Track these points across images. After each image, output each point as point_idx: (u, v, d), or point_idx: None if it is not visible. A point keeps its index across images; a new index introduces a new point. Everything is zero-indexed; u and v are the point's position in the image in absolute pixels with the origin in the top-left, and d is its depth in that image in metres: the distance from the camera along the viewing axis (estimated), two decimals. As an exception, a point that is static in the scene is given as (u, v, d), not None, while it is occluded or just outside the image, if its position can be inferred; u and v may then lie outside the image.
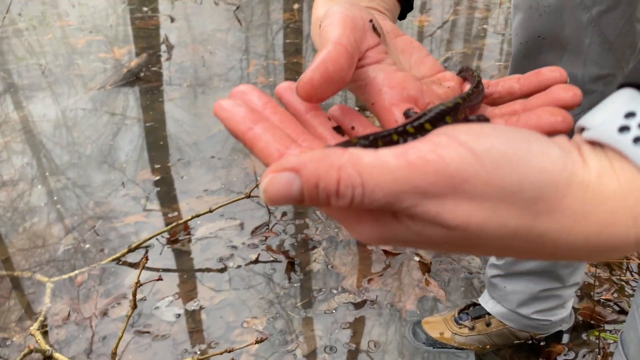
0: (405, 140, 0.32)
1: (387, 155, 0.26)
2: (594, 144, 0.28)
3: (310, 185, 0.25)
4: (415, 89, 0.40)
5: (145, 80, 2.60)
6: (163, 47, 2.96)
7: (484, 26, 3.25)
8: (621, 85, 0.29)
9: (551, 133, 0.34)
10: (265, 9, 3.62)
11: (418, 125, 0.34)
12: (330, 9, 0.40)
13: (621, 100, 0.28)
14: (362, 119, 0.39)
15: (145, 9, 3.63)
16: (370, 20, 0.41)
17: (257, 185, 1.59)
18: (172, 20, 3.42)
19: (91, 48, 3.01)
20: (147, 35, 3.17)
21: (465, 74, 0.46)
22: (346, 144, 0.30)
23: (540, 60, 0.85)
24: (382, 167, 0.25)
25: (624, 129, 0.27)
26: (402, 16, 0.57)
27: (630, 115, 0.27)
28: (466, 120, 0.39)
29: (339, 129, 0.37)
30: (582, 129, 0.29)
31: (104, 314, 1.33)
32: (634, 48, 0.83)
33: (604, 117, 0.28)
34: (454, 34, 3.18)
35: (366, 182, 0.25)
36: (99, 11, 3.62)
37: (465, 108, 0.39)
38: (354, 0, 0.48)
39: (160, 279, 1.02)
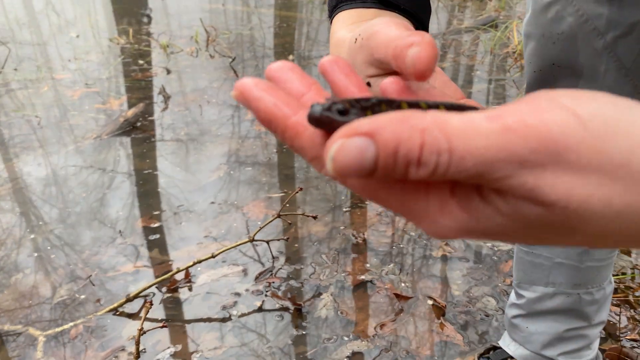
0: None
1: (479, 118, 0.22)
2: None
3: (388, 151, 0.22)
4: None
5: (141, 129, 2.58)
6: (160, 98, 2.97)
7: (474, 73, 3.31)
8: None
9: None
10: (259, 62, 3.67)
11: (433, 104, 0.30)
12: (368, 24, 0.39)
13: None
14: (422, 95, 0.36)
15: (141, 61, 3.67)
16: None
17: (261, 228, 1.55)
18: (168, 72, 3.46)
19: (87, 100, 3.01)
20: (143, 87, 3.19)
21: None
22: (325, 109, 0.26)
23: (556, 87, 0.84)
24: (474, 131, 0.22)
25: None
26: None
27: None
28: None
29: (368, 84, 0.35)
30: None
31: (101, 368, 1.25)
32: (651, 74, 0.82)
33: None
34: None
35: (455, 147, 0.22)
36: (94, 65, 3.65)
37: None
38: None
39: (165, 326, 0.96)
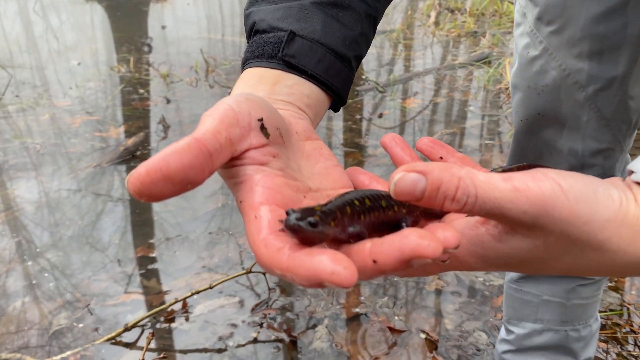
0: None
1: (497, 178, 0.33)
2: None
3: (434, 187, 0.32)
4: (292, 199, 0.38)
5: (141, 158, 2.62)
6: (159, 127, 3.03)
7: (468, 108, 3.40)
8: None
9: (414, 259, 0.30)
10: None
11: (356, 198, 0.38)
12: (223, 99, 0.38)
13: None
14: (449, 148, 0.44)
15: (141, 90, 3.74)
16: (260, 119, 0.38)
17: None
18: (168, 101, 3.52)
19: (87, 128, 3.05)
20: (142, 116, 3.25)
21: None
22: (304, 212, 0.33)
23: (541, 136, 0.89)
24: (493, 186, 0.33)
25: None
26: (335, 109, 0.57)
27: None
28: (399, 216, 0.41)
29: None
30: (631, 172, 0.37)
31: (98, 398, 1.26)
32: (630, 123, 0.87)
33: None
34: (439, 116, 3.31)
35: (480, 193, 0.32)
36: (95, 93, 3.71)
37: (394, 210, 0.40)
38: (273, 89, 0.48)
39: (165, 357, 0.98)
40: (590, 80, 0.80)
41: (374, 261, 0.31)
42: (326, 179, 0.43)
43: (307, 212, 0.32)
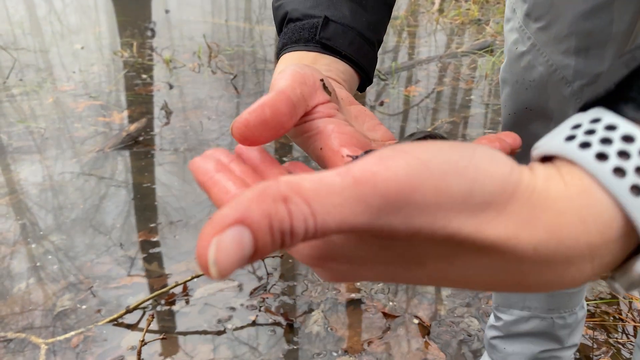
0: None
1: (330, 176, 0.23)
2: (545, 159, 0.28)
3: (264, 231, 0.21)
4: (364, 142, 0.41)
5: (143, 143, 2.66)
6: (162, 113, 3.05)
7: (470, 97, 3.41)
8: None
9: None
10: (260, 79, 3.77)
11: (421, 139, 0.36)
12: (286, 66, 0.43)
13: (569, 121, 0.29)
14: (312, 172, 0.39)
15: (144, 76, 3.76)
16: (321, 80, 0.43)
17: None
18: (171, 87, 3.54)
19: (90, 112, 3.08)
20: (145, 101, 3.27)
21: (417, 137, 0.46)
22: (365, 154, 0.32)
23: (529, 129, 0.91)
24: (328, 190, 0.22)
25: (570, 138, 0.27)
26: (361, 88, 0.60)
27: (576, 127, 0.27)
28: None
29: None
30: (533, 151, 0.29)
31: (100, 377, 1.31)
32: (616, 118, 0.90)
33: (551, 135, 0.29)
34: (441, 104, 3.32)
35: (315, 210, 0.22)
36: (98, 77, 3.74)
37: None
38: (314, 67, 0.51)
39: (165, 338, 1.02)
40: (576, 75, 0.82)
41: None
42: (375, 134, 0.47)
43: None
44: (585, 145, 0.26)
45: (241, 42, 4.88)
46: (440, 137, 0.40)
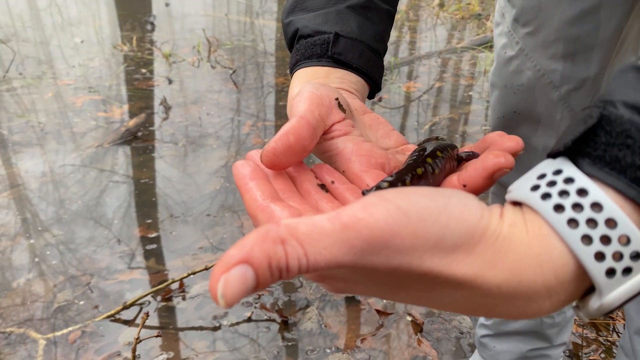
0: (427, 170, 0.39)
1: (322, 220, 0.27)
2: (515, 204, 0.32)
3: (264, 269, 0.25)
4: (382, 157, 0.45)
5: (142, 139, 2.67)
6: (161, 108, 3.06)
7: (470, 93, 3.41)
8: (547, 156, 0.33)
9: (496, 172, 0.38)
10: (259, 74, 3.77)
11: (430, 154, 0.41)
12: (302, 87, 0.46)
13: (538, 167, 0.32)
14: (339, 175, 0.43)
15: (143, 70, 3.76)
16: (336, 99, 0.47)
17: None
18: (170, 82, 3.55)
19: (90, 107, 3.09)
20: (145, 96, 3.28)
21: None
22: (377, 188, 0.36)
23: (517, 132, 0.92)
24: (320, 233, 0.26)
25: (535, 187, 0.30)
26: (371, 96, 0.64)
27: (541, 176, 0.31)
28: (458, 156, 0.45)
29: (322, 186, 0.42)
30: (508, 193, 0.33)
31: (97, 372, 1.33)
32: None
33: (522, 181, 0.32)
34: (440, 100, 3.32)
35: (308, 251, 0.26)
36: (98, 71, 3.74)
37: (452, 151, 0.45)
38: (326, 81, 0.55)
39: (159, 335, 1.04)
40: (563, 80, 0.83)
41: (464, 185, 0.39)
42: (389, 140, 0.51)
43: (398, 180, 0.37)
44: (546, 196, 0.30)
45: (241, 36, 4.87)
46: (450, 146, 0.45)
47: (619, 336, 1.43)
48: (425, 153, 0.42)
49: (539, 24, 0.80)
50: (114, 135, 2.63)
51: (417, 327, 1.47)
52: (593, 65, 0.81)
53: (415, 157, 0.42)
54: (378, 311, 1.53)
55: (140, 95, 3.29)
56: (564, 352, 1.26)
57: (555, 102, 0.85)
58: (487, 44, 4.16)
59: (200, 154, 2.54)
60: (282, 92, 3.38)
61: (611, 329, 1.45)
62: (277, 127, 2.84)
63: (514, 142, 0.42)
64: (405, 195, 0.28)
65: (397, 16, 5.32)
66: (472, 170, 0.39)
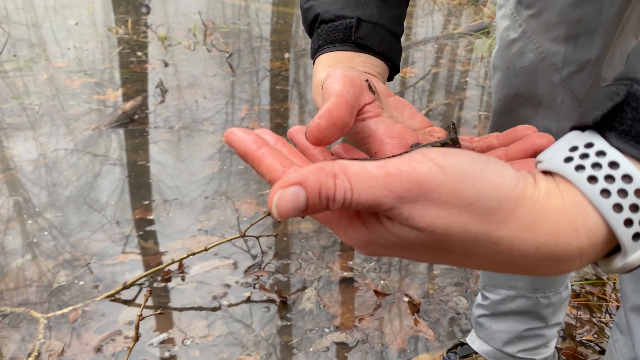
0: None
1: (371, 166, 0.30)
2: (546, 173, 0.34)
3: (314, 194, 0.29)
4: (413, 138, 0.47)
5: (139, 122, 2.66)
6: (157, 91, 3.05)
7: (466, 79, 3.41)
8: (571, 129, 0.35)
9: (537, 153, 0.41)
10: (256, 58, 3.75)
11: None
12: (331, 70, 0.47)
13: (568, 139, 0.34)
14: (361, 154, 0.45)
15: (139, 53, 3.74)
16: (367, 80, 0.48)
17: (252, 224, 1.64)
18: (166, 65, 3.52)
19: (85, 90, 3.07)
20: (140, 79, 3.26)
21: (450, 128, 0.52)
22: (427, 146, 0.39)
23: (519, 115, 0.93)
24: (367, 175, 0.30)
25: (568, 159, 0.33)
26: (390, 78, 0.64)
27: (573, 149, 0.33)
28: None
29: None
30: (538, 163, 0.35)
31: (98, 350, 1.34)
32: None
33: (553, 152, 0.34)
34: (437, 86, 3.33)
35: (354, 187, 0.30)
36: (92, 54, 3.71)
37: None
38: (350, 65, 0.56)
39: (161, 313, 1.05)
40: (565, 63, 0.84)
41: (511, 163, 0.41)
42: (415, 121, 0.52)
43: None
44: (579, 167, 0.32)
45: (237, 19, 4.84)
46: (455, 143, 0.47)
47: (611, 317, 1.46)
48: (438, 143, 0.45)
49: (542, 6, 0.81)
50: (111, 117, 2.62)
51: (414, 308, 1.50)
52: (595, 48, 0.82)
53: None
54: (376, 292, 1.55)
55: (135, 79, 3.27)
56: (558, 332, 1.29)
57: (556, 84, 0.86)
58: (484, 30, 4.16)
59: (196, 138, 2.53)
60: (278, 77, 3.37)
61: (604, 310, 1.48)
62: (273, 112, 2.84)
63: (545, 139, 0.44)
64: (447, 156, 0.31)
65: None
66: (516, 148, 0.43)
